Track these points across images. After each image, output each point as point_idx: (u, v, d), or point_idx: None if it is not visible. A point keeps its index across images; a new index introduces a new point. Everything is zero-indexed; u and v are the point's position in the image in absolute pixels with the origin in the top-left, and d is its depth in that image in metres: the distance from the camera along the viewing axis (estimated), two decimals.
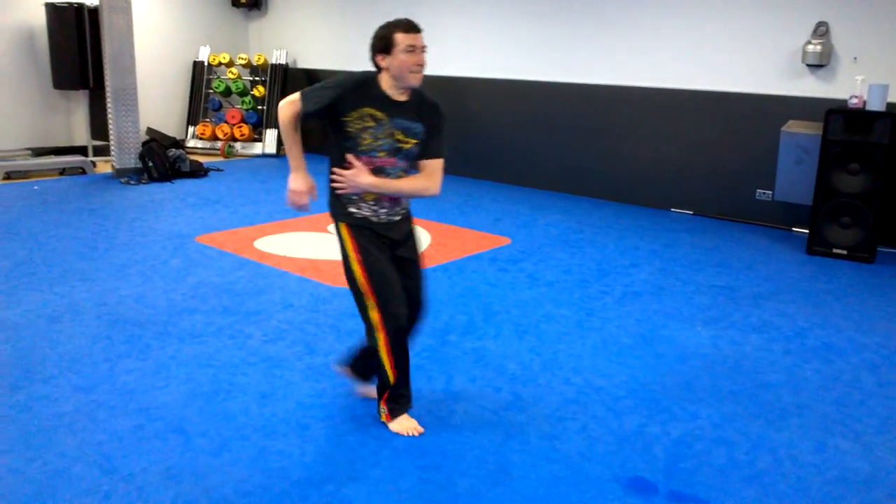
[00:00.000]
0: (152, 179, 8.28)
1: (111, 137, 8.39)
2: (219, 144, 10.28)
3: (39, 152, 9.10)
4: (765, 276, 5.26)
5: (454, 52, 8.85)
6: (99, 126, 9.15)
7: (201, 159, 9.37)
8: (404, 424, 3.01)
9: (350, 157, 2.84)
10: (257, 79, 10.59)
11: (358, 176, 2.82)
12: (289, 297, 4.54)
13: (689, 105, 7.09)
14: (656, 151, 7.35)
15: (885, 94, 5.55)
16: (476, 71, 8.69)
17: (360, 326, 4.07)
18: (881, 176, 5.52)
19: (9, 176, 8.15)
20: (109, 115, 8.35)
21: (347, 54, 9.96)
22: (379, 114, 2.81)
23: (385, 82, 2.84)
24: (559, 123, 8.01)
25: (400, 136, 2.85)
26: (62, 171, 8.57)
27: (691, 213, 7.22)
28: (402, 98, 2.86)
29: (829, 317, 4.47)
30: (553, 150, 8.12)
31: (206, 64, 10.56)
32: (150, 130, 9.88)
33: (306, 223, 6.43)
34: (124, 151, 8.37)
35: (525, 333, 4.09)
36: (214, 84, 10.35)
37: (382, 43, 2.81)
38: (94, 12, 8.66)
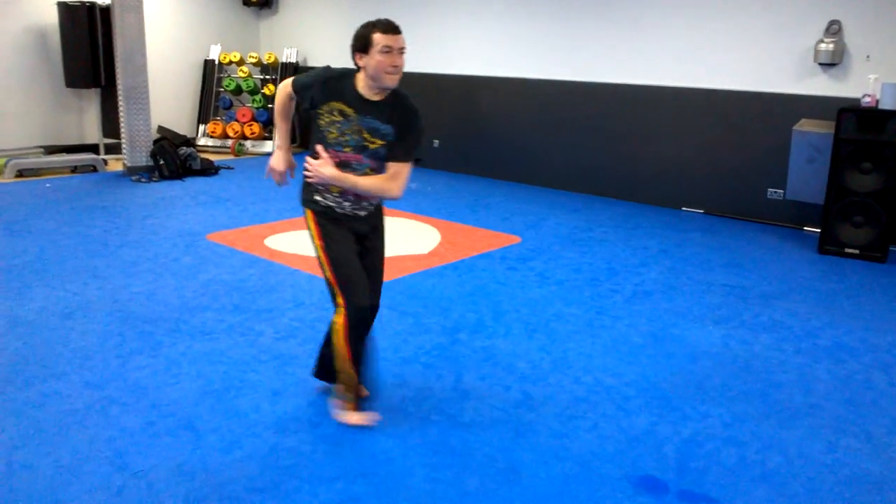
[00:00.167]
0: (163, 177, 8.31)
1: (123, 135, 8.43)
2: (229, 142, 10.31)
3: (51, 150, 9.15)
4: (776, 275, 5.23)
5: (463, 51, 8.85)
6: (110, 124, 9.19)
7: (212, 157, 9.40)
8: (355, 415, 3.05)
9: (318, 147, 2.91)
10: (268, 77, 10.62)
11: (322, 167, 2.87)
12: (300, 295, 4.55)
13: (700, 104, 7.06)
14: (667, 150, 7.33)
15: None
16: (485, 70, 8.68)
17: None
18: (894, 175, 5.49)
19: (21, 174, 8.20)
20: (121, 114, 8.38)
21: None
22: (348, 110, 2.85)
23: (361, 81, 2.87)
24: (569, 122, 8.00)
25: (367, 136, 2.88)
26: (74, 169, 8.62)
27: (702, 212, 7.19)
28: (377, 98, 2.88)
29: (840, 316, 4.45)
30: (563, 148, 8.11)
31: (216, 62, 10.59)
32: (161, 129, 9.92)
33: None
34: (136, 149, 8.41)
35: (535, 332, 4.09)
36: (225, 82, 10.38)
37: (360, 42, 2.83)
38: (105, 11, 8.70)
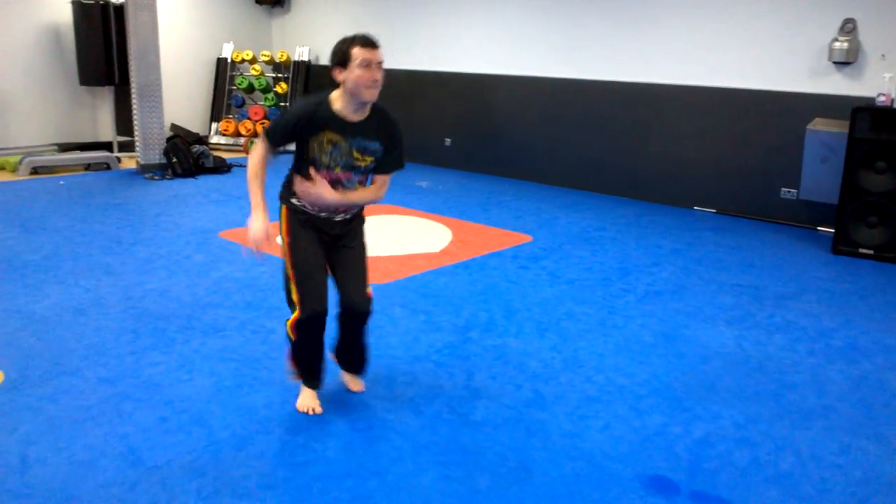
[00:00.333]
0: (176, 175, 8.35)
1: (136, 133, 8.48)
2: (242, 140, 10.34)
3: (65, 148, 9.22)
4: (789, 275, 5.21)
5: (475, 50, 8.85)
6: (124, 122, 9.25)
7: (224, 155, 9.44)
8: (306, 401, 3.13)
9: (312, 171, 2.92)
10: (280, 75, 10.65)
11: (322, 190, 2.91)
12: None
13: (713, 102, 7.03)
14: (680, 149, 7.31)
15: None
16: (497, 68, 8.68)
17: (381, 321, 4.10)
18: None
19: (36, 171, 8.26)
20: (134, 112, 8.43)
21: None
22: (336, 137, 2.87)
23: (337, 102, 2.86)
24: (582, 121, 7.98)
25: (357, 155, 2.93)
26: (88, 167, 8.67)
27: (714, 211, 7.16)
28: (359, 118, 2.89)
29: (854, 317, 4.42)
30: (575, 147, 8.10)
31: (229, 61, 10.63)
32: (174, 126, 9.97)
33: None
34: (149, 147, 8.46)
35: (546, 331, 4.08)
36: (237, 81, 10.41)
37: (339, 57, 2.82)
38: (119, 9, 8.75)
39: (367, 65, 2.79)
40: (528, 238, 6.04)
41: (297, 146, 2.93)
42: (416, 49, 9.47)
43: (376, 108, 2.94)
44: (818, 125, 6.05)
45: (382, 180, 3.08)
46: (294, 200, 3.01)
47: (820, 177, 6.01)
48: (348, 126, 2.87)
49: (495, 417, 3.11)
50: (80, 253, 5.31)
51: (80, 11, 8.83)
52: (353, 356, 3.28)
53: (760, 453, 2.89)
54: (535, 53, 8.30)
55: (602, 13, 7.67)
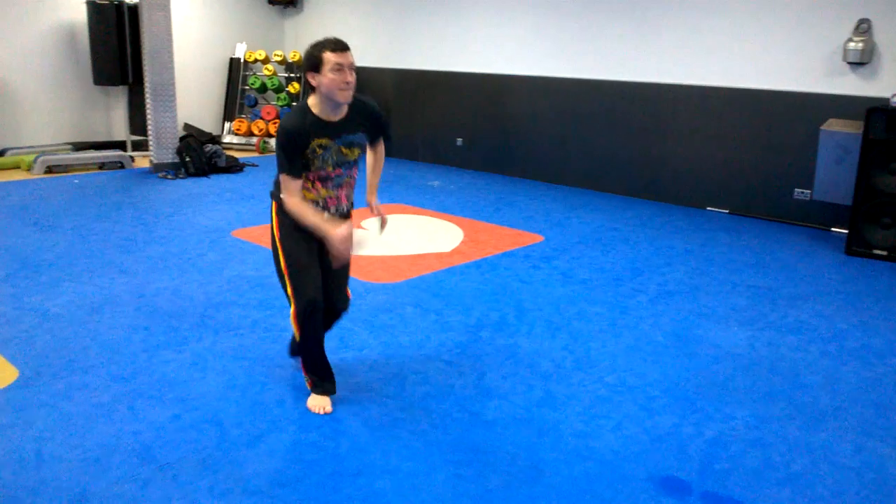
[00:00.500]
0: (189, 174, 8.40)
1: (149, 133, 8.53)
2: (254, 140, 10.38)
3: (80, 147, 9.27)
4: (802, 276, 5.18)
5: (487, 50, 8.84)
6: (137, 121, 9.31)
7: (237, 155, 9.48)
8: (316, 401, 3.17)
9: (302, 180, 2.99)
10: (292, 75, 10.68)
11: (341, 239, 2.96)
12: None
13: (726, 102, 7.00)
14: (693, 149, 7.28)
15: None
16: (509, 68, 8.67)
17: (393, 320, 4.11)
18: None
19: (50, 170, 8.32)
20: (148, 111, 8.48)
21: (382, 52, 10.01)
22: (324, 141, 2.95)
23: (316, 106, 2.94)
24: (594, 121, 7.97)
25: (345, 150, 3.02)
26: (101, 166, 8.73)
27: (728, 211, 7.13)
28: (339, 116, 2.97)
29: (868, 318, 4.39)
30: (588, 147, 8.08)
31: (242, 60, 10.67)
32: (187, 126, 10.02)
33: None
34: (162, 146, 8.50)
35: (558, 331, 4.08)
36: (250, 80, 10.45)
37: (311, 62, 2.90)
38: (133, 9, 8.80)
39: (338, 68, 2.87)
40: (539, 238, 6.04)
41: None
42: (428, 49, 9.48)
43: (353, 101, 3.00)
44: (833, 126, 6.02)
45: (377, 150, 3.29)
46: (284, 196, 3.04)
47: (834, 177, 5.98)
48: (331, 127, 2.96)
49: (506, 417, 3.11)
50: (93, 251, 5.34)
51: (95, 11, 8.89)
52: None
53: (773, 454, 2.88)
54: (547, 53, 8.29)
55: (615, 13, 7.65)
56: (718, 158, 7.11)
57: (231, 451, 2.80)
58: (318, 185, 3.03)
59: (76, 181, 7.95)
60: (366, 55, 10.25)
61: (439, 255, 5.45)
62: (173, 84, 8.51)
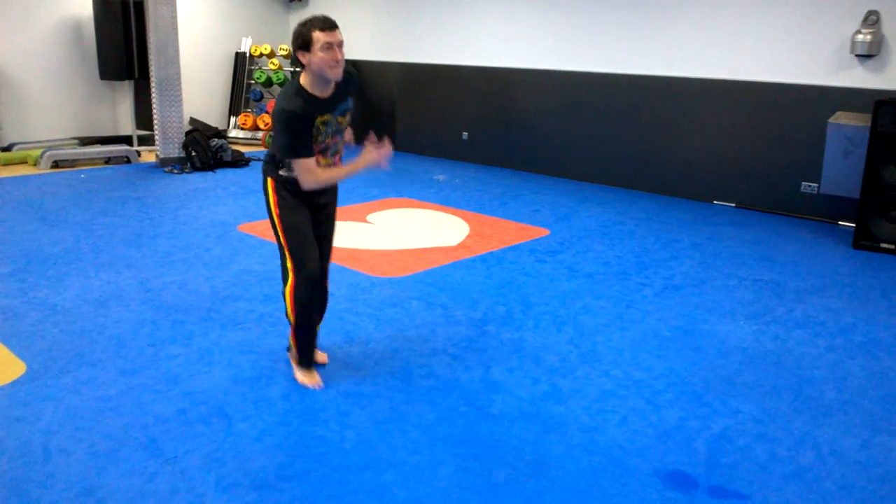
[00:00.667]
0: (195, 169, 8.41)
1: (155, 127, 8.54)
2: (260, 134, 10.39)
3: (86, 142, 9.29)
4: (809, 270, 5.16)
5: (492, 44, 8.83)
6: (144, 116, 9.32)
7: (243, 149, 9.49)
8: (307, 376, 3.31)
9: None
10: (298, 70, 10.63)
11: (381, 155, 3.25)
12: (329, 286, 4.57)
13: (733, 96, 6.97)
14: (699, 143, 7.26)
15: None
16: (515, 62, 8.65)
17: (399, 314, 4.12)
18: None
19: (57, 164, 8.34)
20: (154, 106, 8.49)
21: (388, 45, 10.00)
22: (326, 117, 3.07)
23: (309, 84, 3.03)
24: (600, 114, 7.95)
25: (340, 119, 3.18)
26: (108, 160, 8.74)
27: (734, 205, 7.11)
28: (331, 90, 3.06)
29: (875, 312, 4.38)
30: (593, 141, 8.06)
31: (247, 55, 10.67)
32: (192, 120, 10.04)
33: (346, 213, 6.48)
34: (168, 141, 8.51)
35: (563, 325, 4.07)
36: (256, 75, 10.45)
37: (301, 41, 2.97)
38: (139, 4, 8.80)
39: (328, 47, 2.94)
40: (545, 232, 6.03)
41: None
42: (433, 43, 9.46)
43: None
44: (840, 118, 5.99)
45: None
46: (282, 172, 3.14)
47: (841, 171, 5.95)
48: (327, 102, 3.06)
49: (512, 411, 3.11)
50: (100, 246, 5.35)
51: (101, 6, 8.89)
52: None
53: (780, 448, 2.87)
54: (554, 47, 8.27)
55: (621, 6, 7.62)
56: (725, 152, 7.09)
57: (238, 444, 2.80)
58: (319, 157, 3.12)
59: (83, 176, 7.97)
60: (371, 49, 10.25)
61: (445, 250, 5.45)
62: (179, 79, 8.52)
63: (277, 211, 3.17)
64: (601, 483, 2.62)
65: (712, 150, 7.17)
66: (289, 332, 3.38)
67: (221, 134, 9.95)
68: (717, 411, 3.15)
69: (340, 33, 3.00)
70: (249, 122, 10.45)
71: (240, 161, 8.75)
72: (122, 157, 8.83)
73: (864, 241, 5.69)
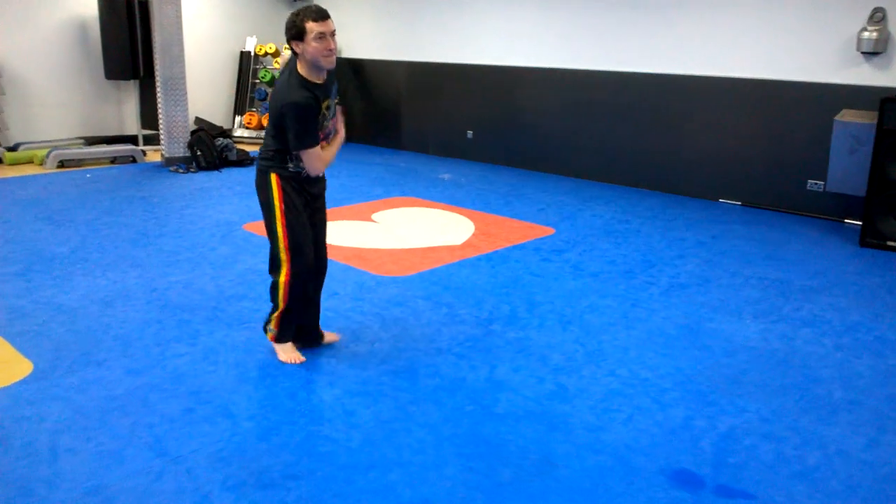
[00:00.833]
0: (200, 168, 8.42)
1: (161, 127, 8.56)
2: (264, 134, 10.38)
3: (92, 141, 9.31)
4: (816, 268, 5.15)
5: (497, 42, 8.82)
6: (149, 115, 9.34)
7: (248, 148, 9.49)
8: (288, 354, 3.49)
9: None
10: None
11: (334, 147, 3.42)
12: (333, 285, 4.58)
13: (739, 93, 6.95)
14: (704, 141, 7.24)
15: None
16: (520, 60, 8.64)
17: (404, 313, 4.12)
18: None
19: (62, 164, 8.37)
20: (159, 105, 8.50)
21: (393, 44, 9.99)
22: (328, 102, 3.25)
23: (307, 74, 3.16)
24: (605, 113, 7.93)
25: (335, 101, 3.36)
26: (113, 160, 8.77)
27: (740, 203, 7.09)
28: (324, 78, 3.22)
29: (882, 311, 4.36)
30: (598, 139, 8.05)
31: (252, 54, 10.68)
32: (198, 120, 10.05)
33: (351, 212, 6.48)
34: (173, 140, 8.53)
35: (569, 324, 4.07)
36: (261, 74, 10.46)
37: (294, 31, 3.10)
38: (144, 4, 8.82)
39: (321, 36, 3.07)
40: (550, 231, 6.02)
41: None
42: (438, 42, 9.45)
43: None
44: (846, 116, 5.97)
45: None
46: (290, 167, 3.26)
47: (847, 168, 5.93)
48: (325, 87, 3.23)
49: (518, 410, 3.11)
50: (106, 245, 5.37)
51: (106, 6, 8.91)
52: (317, 311, 3.63)
53: (786, 448, 2.87)
54: (558, 45, 8.25)
55: (625, 4, 7.60)
56: (731, 150, 7.07)
57: (244, 443, 2.81)
58: (323, 142, 3.28)
59: (88, 175, 7.98)
60: (376, 48, 10.25)
61: (450, 248, 5.45)
62: (184, 78, 8.53)
63: (282, 207, 3.26)
64: (607, 482, 2.61)
65: (718, 149, 7.15)
66: (270, 313, 3.49)
67: (226, 133, 9.96)
68: (724, 410, 3.15)
69: (332, 23, 3.10)
70: (254, 122, 10.46)
71: (245, 160, 8.76)
72: (127, 156, 8.85)
73: (870, 238, 5.67)
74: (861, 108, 6.09)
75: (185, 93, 8.56)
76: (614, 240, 5.78)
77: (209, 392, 3.21)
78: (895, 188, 5.51)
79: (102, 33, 9.06)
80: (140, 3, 8.88)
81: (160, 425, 2.93)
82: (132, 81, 9.42)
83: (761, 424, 3.04)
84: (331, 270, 4.83)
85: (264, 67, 10.55)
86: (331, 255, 5.14)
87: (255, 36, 10.76)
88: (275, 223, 3.29)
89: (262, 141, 10.60)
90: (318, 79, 3.17)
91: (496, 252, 5.39)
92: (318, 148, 3.19)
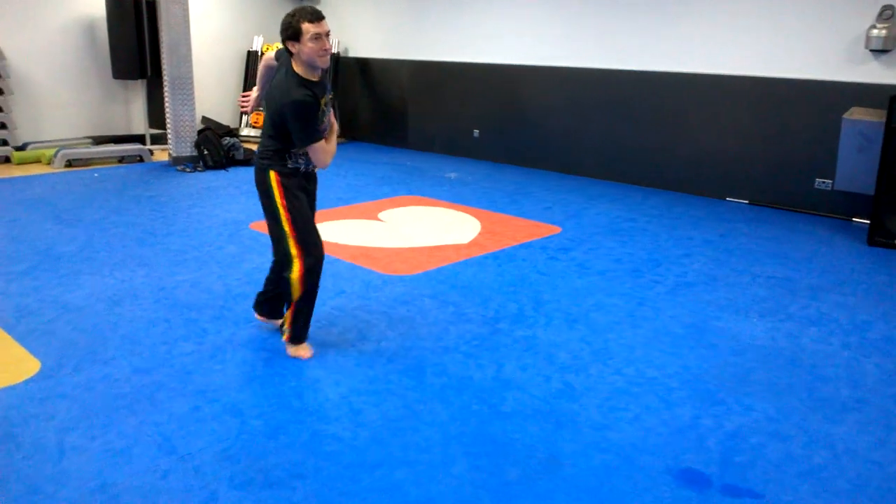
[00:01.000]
0: (207, 167, 8.44)
1: (168, 126, 8.58)
2: None
3: (99, 141, 9.34)
4: (823, 267, 5.13)
5: (503, 41, 8.81)
6: (156, 115, 9.36)
7: (255, 148, 9.49)
8: (299, 351, 3.53)
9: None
10: None
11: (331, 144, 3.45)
12: (340, 284, 4.59)
13: (746, 91, 6.93)
14: (712, 139, 7.22)
15: None
16: (526, 59, 8.63)
17: (411, 312, 4.12)
18: None
19: (70, 163, 8.40)
20: (166, 104, 8.53)
21: (399, 43, 9.99)
22: (325, 98, 3.34)
23: (304, 73, 3.25)
24: (611, 111, 7.92)
25: (331, 96, 3.43)
26: (121, 159, 8.79)
27: (747, 202, 7.07)
28: (319, 76, 3.31)
29: (890, 310, 4.34)
30: (605, 137, 8.03)
31: (259, 53, 10.69)
32: (205, 119, 10.07)
33: (357, 211, 6.49)
34: (180, 140, 8.55)
35: (575, 322, 4.06)
36: None
37: (290, 32, 3.18)
38: (152, 3, 8.84)
39: (317, 37, 3.16)
40: (557, 229, 6.01)
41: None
42: (444, 40, 9.45)
43: None
44: (855, 114, 5.94)
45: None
46: (290, 164, 3.37)
47: (856, 167, 5.90)
48: (322, 85, 3.33)
49: (524, 409, 3.11)
50: (113, 244, 5.38)
51: (114, 6, 8.93)
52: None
53: (794, 447, 2.86)
54: (564, 44, 8.24)
55: (632, 3, 7.58)
56: (738, 148, 7.05)
57: (251, 442, 2.81)
58: (324, 140, 3.35)
59: (96, 175, 8.01)
60: (382, 47, 10.25)
61: (457, 247, 5.45)
62: (191, 77, 8.55)
63: (285, 203, 3.35)
64: (614, 481, 2.61)
65: (725, 147, 7.13)
66: (285, 313, 3.54)
67: (233, 132, 9.97)
68: (731, 409, 3.14)
69: (327, 24, 3.19)
70: (261, 121, 10.48)
71: (252, 159, 8.76)
72: (135, 155, 8.88)
73: (878, 237, 5.64)
74: (870, 106, 6.07)
75: (193, 92, 8.58)
76: (620, 238, 5.77)
77: (216, 390, 3.22)
78: None
79: (110, 33, 9.09)
80: (147, 2, 8.89)
81: (167, 423, 2.93)
82: (140, 81, 9.45)
83: (768, 423, 3.03)
84: (337, 269, 4.87)
85: None
86: (337, 254, 5.17)
87: (262, 35, 10.78)
88: (279, 220, 3.37)
89: None
90: (314, 77, 3.27)
91: (502, 251, 5.38)
92: (322, 142, 3.29)
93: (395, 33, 10.04)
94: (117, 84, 9.60)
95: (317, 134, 3.26)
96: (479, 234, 5.83)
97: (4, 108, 8.46)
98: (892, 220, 5.58)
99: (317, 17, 3.17)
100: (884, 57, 6.12)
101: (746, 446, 2.85)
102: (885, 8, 6.02)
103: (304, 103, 3.17)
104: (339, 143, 10.36)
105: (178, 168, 8.39)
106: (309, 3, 11.13)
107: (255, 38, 10.76)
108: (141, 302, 4.26)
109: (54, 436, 2.83)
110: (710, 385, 3.36)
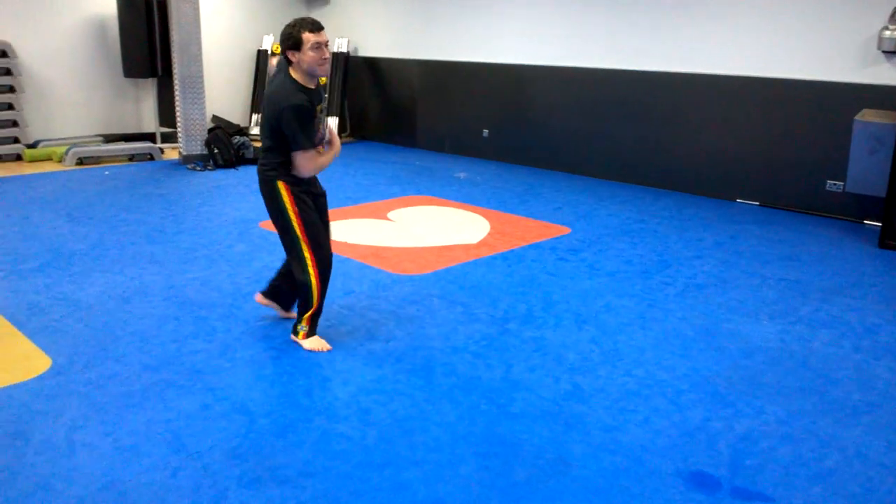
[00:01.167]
0: (218, 166, 8.46)
1: (178, 124, 8.61)
2: None
3: (110, 139, 9.38)
4: (834, 270, 5.10)
5: (512, 41, 8.80)
6: (167, 113, 9.39)
7: None
8: (316, 343, 3.61)
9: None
10: None
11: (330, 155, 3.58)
12: (350, 284, 4.59)
13: (757, 93, 6.90)
14: (722, 140, 7.19)
15: None
16: (535, 59, 8.62)
17: (420, 311, 4.12)
18: None
19: (81, 161, 8.43)
20: (177, 103, 8.55)
21: (408, 43, 10.00)
22: (320, 105, 3.46)
23: (301, 80, 3.34)
24: (621, 111, 7.90)
25: (323, 106, 3.54)
26: (131, 157, 8.83)
27: (758, 204, 7.04)
28: (315, 84, 3.42)
29: None
30: (615, 138, 8.01)
31: (269, 52, 10.71)
32: (215, 118, 10.10)
33: (367, 211, 6.49)
34: (191, 138, 8.58)
35: (585, 323, 4.06)
36: None
37: (291, 41, 3.28)
38: (162, 2, 8.87)
39: (318, 47, 3.27)
40: (566, 230, 6.00)
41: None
42: (454, 40, 9.45)
43: None
44: (867, 116, 5.91)
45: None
46: (294, 172, 3.43)
47: (868, 169, 5.87)
48: (317, 92, 3.44)
49: (533, 410, 3.10)
50: (124, 242, 5.40)
51: (125, 4, 8.97)
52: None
53: (804, 450, 2.84)
54: (574, 44, 8.22)
55: (641, 3, 7.56)
56: (748, 150, 7.02)
57: (260, 440, 2.82)
58: (320, 148, 3.47)
59: (107, 173, 8.04)
60: (391, 47, 10.25)
61: (466, 247, 5.45)
62: (202, 76, 8.58)
63: (297, 210, 3.43)
64: (623, 483, 2.60)
65: (735, 148, 7.10)
66: (301, 315, 3.62)
67: (243, 131, 10.00)
68: (741, 412, 3.12)
69: (326, 34, 3.32)
70: None
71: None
72: (145, 154, 8.91)
73: (890, 240, 5.61)
74: (882, 107, 6.03)
75: (203, 91, 8.61)
76: (630, 239, 5.75)
77: (225, 388, 3.22)
78: None
79: (121, 32, 9.12)
80: (158, 1, 8.92)
81: (176, 421, 2.94)
82: (150, 80, 9.48)
83: (779, 426, 3.01)
84: (347, 268, 4.88)
85: None
86: (347, 253, 5.18)
87: (272, 34, 10.80)
88: (292, 227, 3.45)
89: None
90: (310, 84, 3.37)
91: (512, 251, 5.38)
92: (312, 150, 3.37)
93: (404, 33, 10.05)
94: (128, 83, 9.64)
95: (308, 141, 3.33)
96: (489, 234, 5.83)
97: (16, 106, 8.50)
98: None
99: (317, 27, 3.28)
100: None
101: (757, 449, 2.84)
102: None
103: (302, 108, 3.28)
104: (348, 143, 10.38)
105: (189, 166, 8.41)
106: (319, 4, 11.16)
107: (265, 37, 10.78)
108: (151, 299, 4.27)
109: (64, 433, 2.84)
110: (721, 387, 3.34)
